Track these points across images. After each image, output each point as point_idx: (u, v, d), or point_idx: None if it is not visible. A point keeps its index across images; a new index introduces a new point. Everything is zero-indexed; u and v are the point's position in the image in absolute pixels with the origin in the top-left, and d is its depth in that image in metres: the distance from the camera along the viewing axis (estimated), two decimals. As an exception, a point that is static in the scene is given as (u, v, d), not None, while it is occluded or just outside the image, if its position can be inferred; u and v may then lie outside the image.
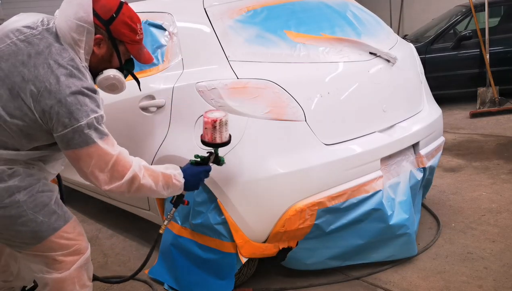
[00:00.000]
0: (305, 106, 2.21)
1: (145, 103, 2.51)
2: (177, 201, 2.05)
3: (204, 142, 1.99)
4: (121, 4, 1.77)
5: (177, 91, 2.36)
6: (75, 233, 1.80)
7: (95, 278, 2.03)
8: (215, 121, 1.93)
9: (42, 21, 1.70)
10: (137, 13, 2.94)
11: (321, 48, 2.39)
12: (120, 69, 1.83)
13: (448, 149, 4.55)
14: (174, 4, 2.72)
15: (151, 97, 2.49)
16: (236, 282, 2.36)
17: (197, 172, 1.96)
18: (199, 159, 2.00)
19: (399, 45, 2.85)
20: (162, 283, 2.61)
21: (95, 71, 1.78)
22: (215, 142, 1.97)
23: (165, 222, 2.10)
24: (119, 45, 1.78)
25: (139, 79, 2.60)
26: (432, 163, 2.74)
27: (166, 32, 2.55)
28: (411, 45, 3.05)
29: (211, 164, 2.02)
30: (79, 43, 1.67)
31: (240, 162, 2.14)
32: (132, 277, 2.19)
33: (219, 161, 2.03)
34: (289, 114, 2.18)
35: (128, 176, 1.69)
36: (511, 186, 3.50)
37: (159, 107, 2.44)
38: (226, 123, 1.96)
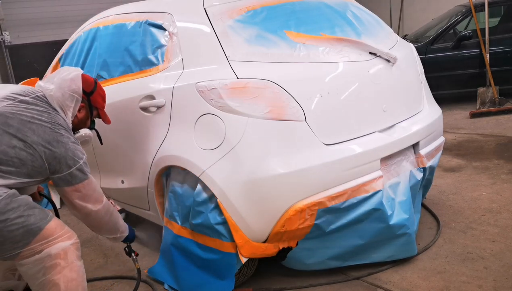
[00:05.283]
0: (305, 106, 2.21)
1: (145, 103, 2.51)
2: (129, 250, 2.48)
3: None
4: (95, 80, 2.32)
5: (177, 91, 2.36)
6: (59, 226, 1.98)
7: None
8: None
9: (25, 91, 2.04)
10: (137, 13, 3.00)
11: (321, 48, 2.39)
12: (89, 128, 2.34)
13: (448, 148, 4.55)
14: (174, 4, 2.72)
15: (151, 97, 2.49)
16: (236, 282, 2.36)
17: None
18: None
19: (399, 45, 2.85)
20: (162, 283, 2.61)
21: (73, 130, 2.21)
22: None
23: (136, 263, 2.50)
24: (94, 111, 2.30)
25: (140, 79, 2.63)
26: (432, 163, 2.74)
27: (166, 32, 2.55)
28: (411, 45, 3.04)
29: None
30: (68, 109, 2.13)
31: (240, 162, 2.14)
32: None
33: None
34: (289, 114, 2.18)
35: (105, 198, 2.16)
36: (511, 186, 3.50)
37: (159, 107, 2.45)
38: None
